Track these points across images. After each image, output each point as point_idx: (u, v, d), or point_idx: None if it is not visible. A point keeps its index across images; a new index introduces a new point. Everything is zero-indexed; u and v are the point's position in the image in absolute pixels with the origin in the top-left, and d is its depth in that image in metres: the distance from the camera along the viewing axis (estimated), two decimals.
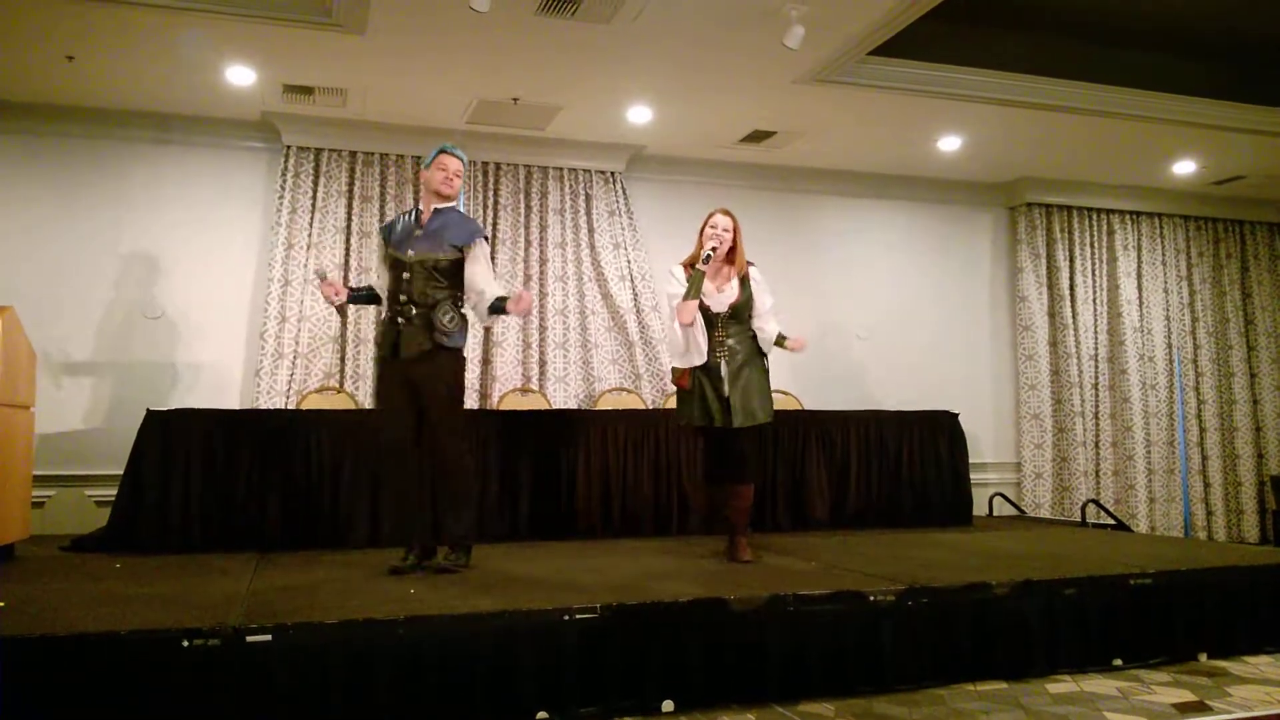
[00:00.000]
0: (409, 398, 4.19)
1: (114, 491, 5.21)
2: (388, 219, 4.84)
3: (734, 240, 4.58)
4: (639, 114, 6.77)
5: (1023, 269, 8.43)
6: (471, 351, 6.99)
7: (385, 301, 4.28)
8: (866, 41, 5.68)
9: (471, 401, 6.87)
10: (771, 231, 7.86)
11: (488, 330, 7.07)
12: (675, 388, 4.63)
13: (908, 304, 8.26)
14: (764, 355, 4.66)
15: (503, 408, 6.73)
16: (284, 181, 6.79)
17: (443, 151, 4.29)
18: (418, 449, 4.25)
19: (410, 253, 4.15)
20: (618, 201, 7.49)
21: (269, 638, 3.00)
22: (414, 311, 4.14)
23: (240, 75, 6.00)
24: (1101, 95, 6.69)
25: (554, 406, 6.89)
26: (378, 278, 4.39)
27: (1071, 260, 8.53)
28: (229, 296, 6.73)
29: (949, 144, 7.43)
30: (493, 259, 7.15)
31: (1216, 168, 8.04)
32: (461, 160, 4.33)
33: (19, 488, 4.73)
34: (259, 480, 5.19)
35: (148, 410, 5.19)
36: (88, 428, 6.31)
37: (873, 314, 8.13)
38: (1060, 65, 6.49)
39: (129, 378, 6.46)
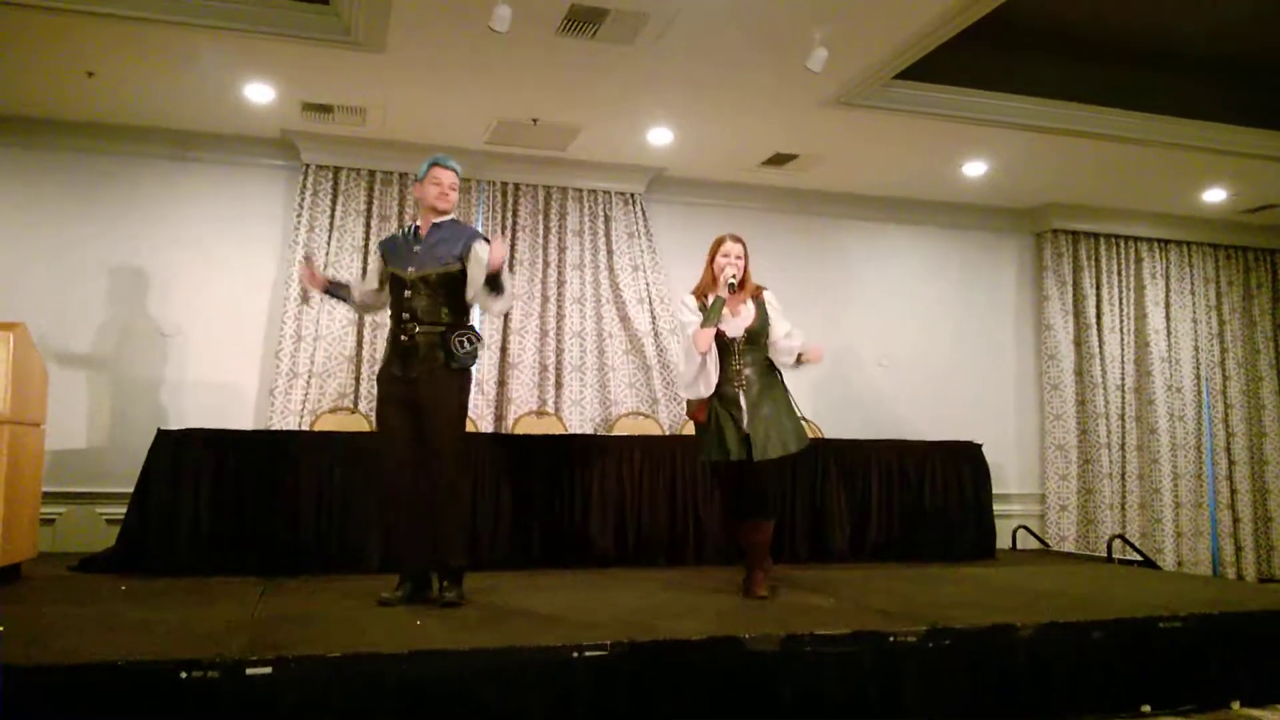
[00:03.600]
0: (411, 421, 4.06)
1: (124, 509, 5.16)
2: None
3: (744, 264, 4.46)
4: (660, 135, 6.71)
5: (1048, 297, 8.30)
6: (487, 373, 6.93)
7: (390, 319, 4.19)
8: (891, 65, 5.61)
9: (486, 424, 6.81)
10: (792, 256, 7.78)
11: (503, 351, 7.01)
12: (692, 421, 4.51)
13: (930, 331, 8.14)
14: (781, 380, 4.50)
15: (517, 431, 6.66)
16: (302, 200, 6.76)
17: (435, 164, 4.17)
18: (419, 474, 4.09)
19: (410, 269, 4.05)
20: (637, 223, 7.42)
21: (269, 670, 2.92)
22: (418, 330, 4.03)
23: (259, 93, 5.98)
24: (1131, 121, 6.58)
25: (569, 430, 6.81)
26: (365, 286, 4.36)
27: (1098, 288, 8.39)
28: (244, 315, 6.70)
29: (974, 169, 7.33)
30: (510, 264, 7.05)
31: (1248, 195, 7.91)
32: (455, 172, 4.20)
33: (27, 507, 4.69)
34: (269, 503, 5.12)
35: (158, 430, 5.15)
36: (100, 445, 6.28)
37: (894, 341, 8.02)
38: (1089, 91, 6.39)
39: (143, 395, 6.42)
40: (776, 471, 4.49)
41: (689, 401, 4.47)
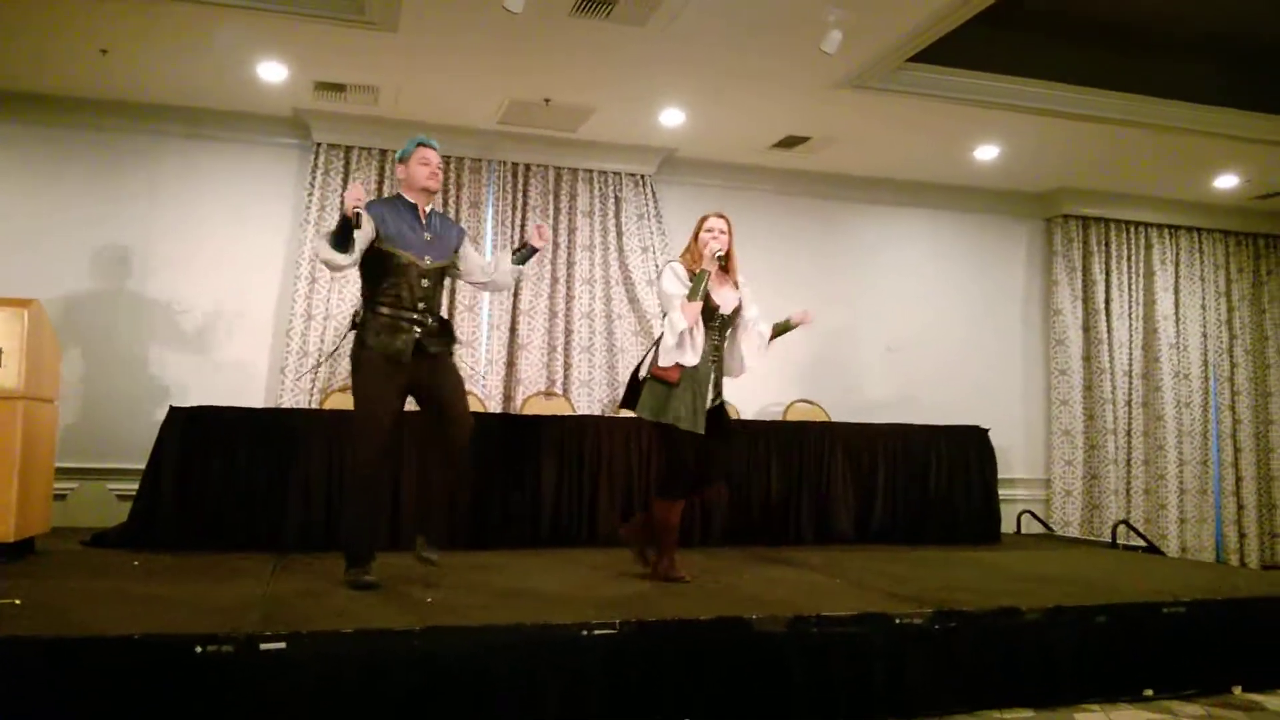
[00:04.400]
0: (401, 406, 4.07)
1: (136, 486, 5.21)
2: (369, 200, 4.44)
3: (729, 243, 4.44)
4: (671, 117, 6.70)
5: (1058, 281, 8.30)
6: (497, 353, 6.95)
7: (394, 304, 4.00)
8: (905, 48, 5.59)
9: (495, 404, 6.84)
10: (802, 238, 7.79)
11: (513, 331, 7.03)
12: (653, 380, 4.27)
13: (939, 315, 8.14)
14: None
15: (526, 411, 6.69)
16: (314, 179, 6.77)
17: (421, 144, 4.10)
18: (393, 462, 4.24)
19: (428, 259, 4.03)
20: (647, 205, 7.42)
21: (283, 646, 2.96)
22: (430, 319, 4.05)
23: (272, 71, 5.98)
24: (1143, 107, 6.56)
25: (578, 411, 6.83)
26: (358, 247, 3.88)
27: (1108, 274, 8.38)
28: (256, 293, 6.73)
29: (986, 153, 7.32)
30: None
31: (1259, 182, 7.88)
32: (438, 152, 4.16)
33: (41, 482, 4.72)
34: (281, 480, 5.16)
35: (171, 407, 5.18)
36: (112, 421, 6.31)
37: (903, 325, 8.02)
38: (1102, 75, 6.36)
39: (154, 372, 6.46)
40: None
41: (657, 365, 4.28)
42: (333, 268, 3.93)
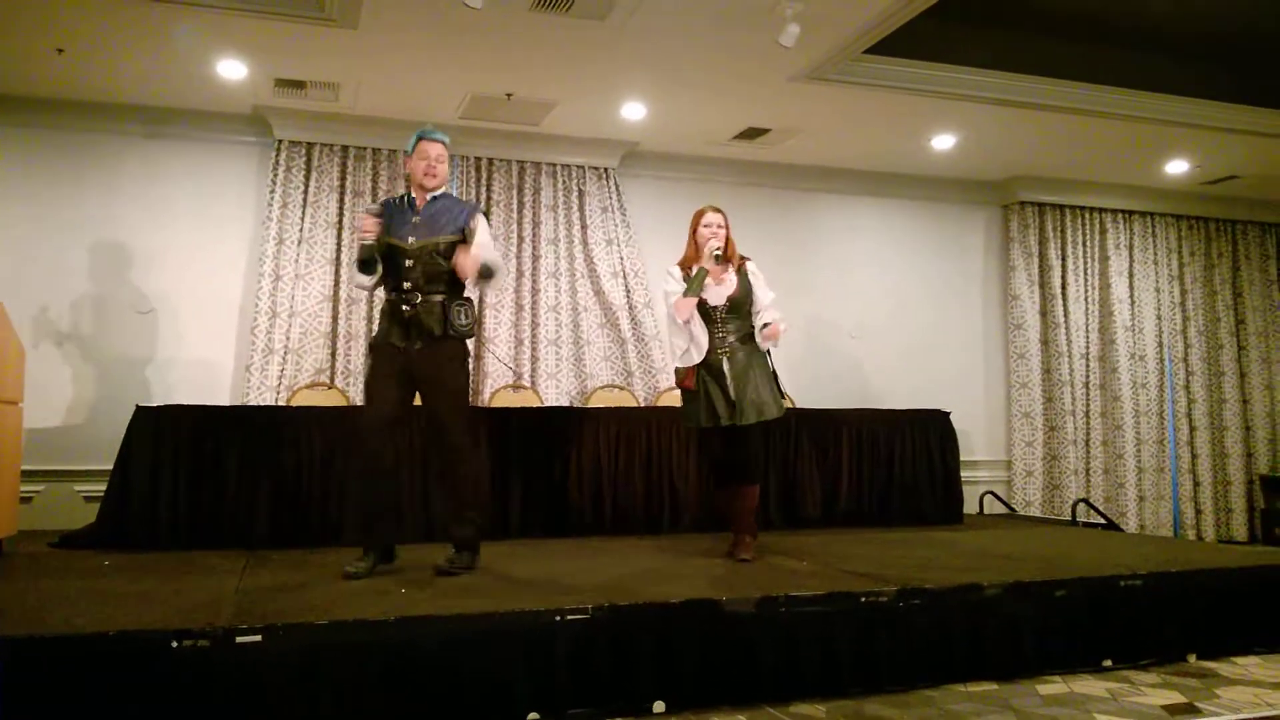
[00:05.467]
0: (400, 387, 4.10)
1: (103, 487, 5.17)
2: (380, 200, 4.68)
3: (726, 234, 4.60)
4: (633, 110, 6.75)
5: (1015, 267, 8.44)
6: None
7: (388, 290, 4.15)
8: (862, 40, 5.67)
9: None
10: (764, 229, 7.85)
11: (479, 325, 7.05)
12: (679, 389, 4.59)
13: (900, 302, 8.26)
14: (765, 350, 4.62)
15: (494, 404, 6.72)
16: (275, 176, 6.75)
17: (422, 138, 4.18)
18: (394, 442, 4.21)
19: (410, 240, 4.07)
20: (611, 198, 7.47)
21: (259, 638, 2.98)
22: (419, 299, 4.06)
23: (232, 69, 5.96)
24: (1095, 95, 6.69)
25: (545, 404, 6.87)
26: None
27: (1064, 259, 8.54)
28: (220, 291, 6.70)
29: (943, 142, 7.43)
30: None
31: (1209, 168, 8.06)
32: (443, 143, 4.21)
33: (7, 484, 4.69)
34: (249, 477, 5.15)
35: (137, 406, 5.16)
36: (77, 422, 6.28)
37: (865, 312, 8.13)
38: (1054, 64, 6.49)
39: (119, 372, 6.42)
40: (759, 437, 4.61)
41: (677, 370, 4.56)
42: (366, 289, 4.29)
